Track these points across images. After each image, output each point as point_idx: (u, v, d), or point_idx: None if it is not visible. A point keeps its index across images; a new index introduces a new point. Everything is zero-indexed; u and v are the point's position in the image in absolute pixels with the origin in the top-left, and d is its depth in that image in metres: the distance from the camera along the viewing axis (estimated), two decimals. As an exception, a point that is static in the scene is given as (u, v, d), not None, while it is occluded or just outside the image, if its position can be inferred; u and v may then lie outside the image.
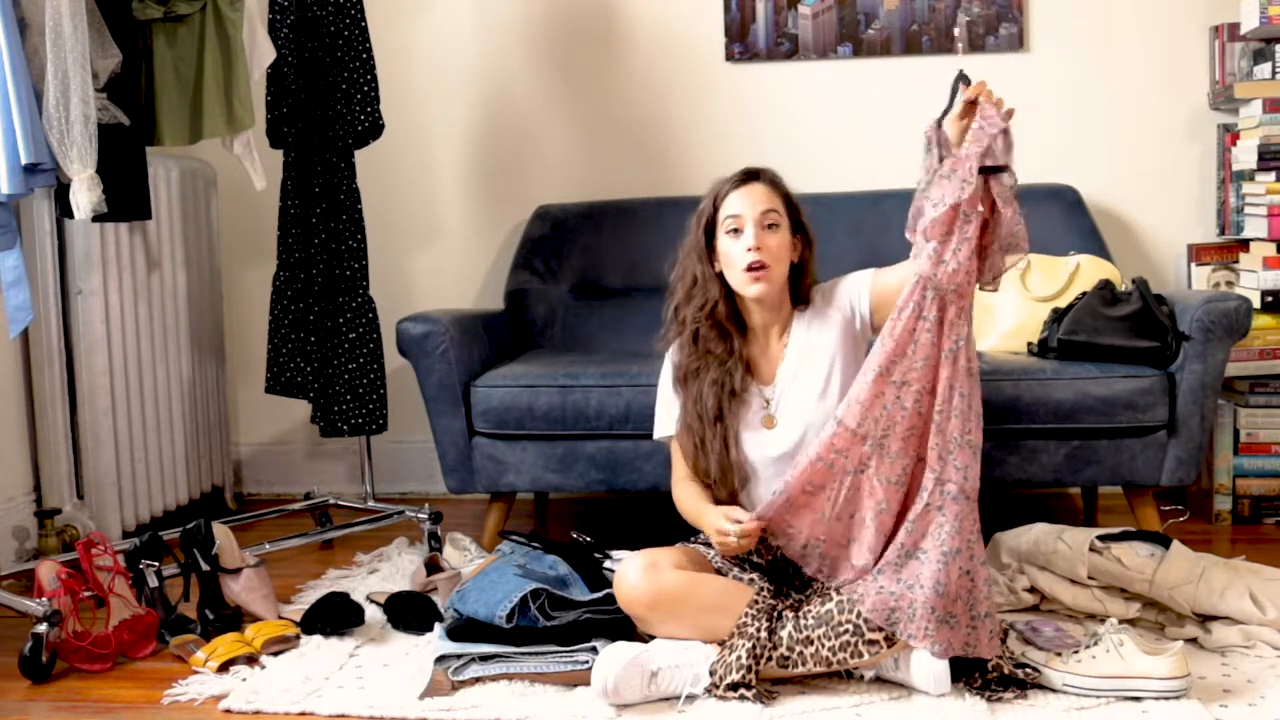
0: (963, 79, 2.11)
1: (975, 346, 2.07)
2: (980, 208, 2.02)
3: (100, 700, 2.15)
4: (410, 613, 2.44)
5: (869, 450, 2.05)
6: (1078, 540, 2.35)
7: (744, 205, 2.23)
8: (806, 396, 2.25)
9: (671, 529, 2.49)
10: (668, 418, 2.35)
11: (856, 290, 2.28)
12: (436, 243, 3.71)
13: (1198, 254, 3.28)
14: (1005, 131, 2.01)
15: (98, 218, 2.53)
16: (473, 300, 3.68)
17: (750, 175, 2.28)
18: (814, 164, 3.35)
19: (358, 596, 2.57)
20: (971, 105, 2.04)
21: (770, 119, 3.55)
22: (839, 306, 2.28)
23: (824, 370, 2.25)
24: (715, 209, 2.27)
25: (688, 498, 2.30)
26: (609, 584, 2.20)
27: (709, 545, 2.28)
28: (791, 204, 2.29)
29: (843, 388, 2.23)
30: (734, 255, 2.23)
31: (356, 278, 3.10)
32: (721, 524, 2.13)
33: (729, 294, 2.29)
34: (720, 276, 2.28)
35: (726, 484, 2.25)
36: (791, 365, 2.27)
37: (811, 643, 2.00)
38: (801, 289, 2.30)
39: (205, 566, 2.51)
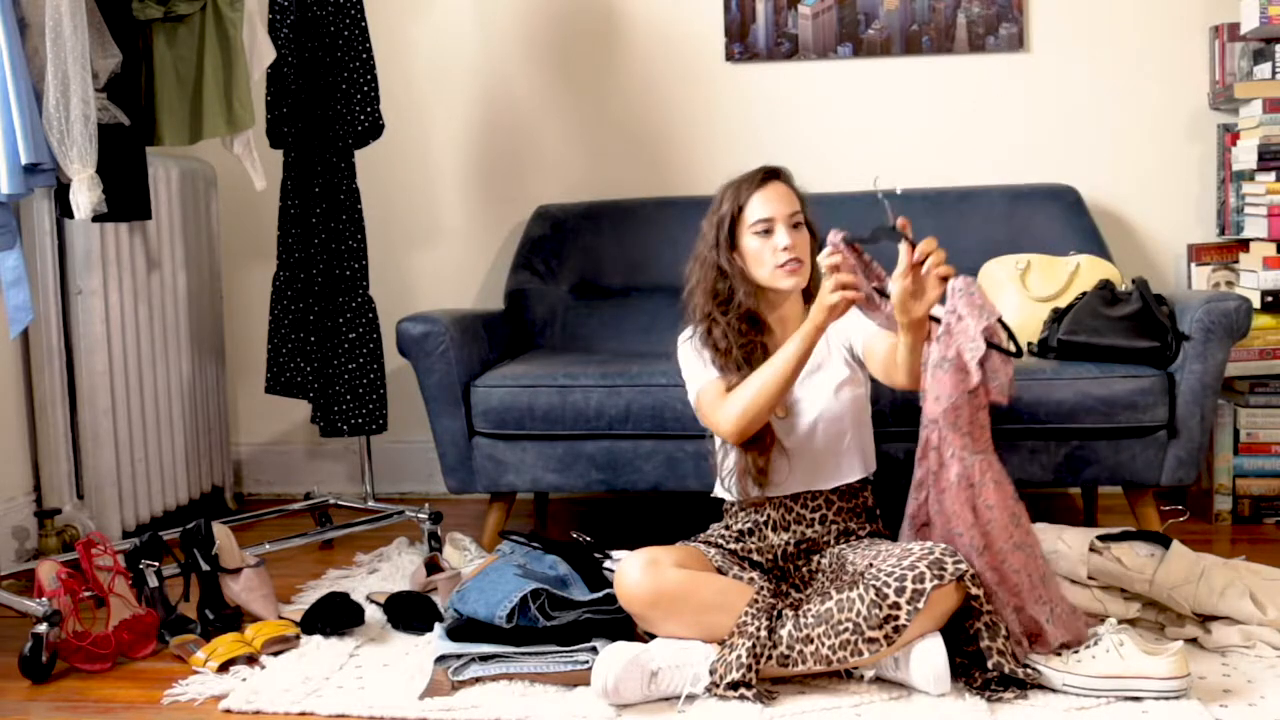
0: (889, 198, 2.06)
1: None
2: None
3: (100, 700, 2.15)
4: (410, 613, 2.44)
5: None
6: (1077, 540, 2.34)
7: (773, 207, 2.24)
8: (822, 388, 2.26)
9: (671, 529, 2.50)
10: (703, 371, 2.29)
11: (855, 329, 2.28)
12: (436, 243, 3.71)
13: (1198, 254, 3.28)
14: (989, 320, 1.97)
15: (98, 218, 2.53)
16: (473, 300, 3.68)
17: (770, 174, 2.29)
18: (814, 164, 3.34)
19: (358, 596, 2.57)
20: (917, 267, 1.98)
21: (770, 119, 3.55)
22: (842, 328, 2.29)
23: (839, 364, 2.27)
24: (739, 210, 2.26)
25: (749, 378, 2.20)
26: (609, 584, 2.20)
27: (709, 544, 2.28)
28: (802, 202, 2.30)
29: (852, 389, 2.27)
30: (765, 255, 2.24)
31: (356, 278, 3.10)
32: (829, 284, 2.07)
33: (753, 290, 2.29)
34: (743, 274, 2.27)
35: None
36: (814, 355, 2.27)
37: (811, 641, 2.00)
38: (810, 284, 2.31)
39: (205, 566, 2.51)
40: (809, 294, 2.32)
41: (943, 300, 2.01)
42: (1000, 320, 1.99)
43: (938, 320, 2.03)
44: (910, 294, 1.98)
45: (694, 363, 2.32)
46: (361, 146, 3.12)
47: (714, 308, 2.29)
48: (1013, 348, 2.00)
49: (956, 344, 1.98)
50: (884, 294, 2.08)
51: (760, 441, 2.23)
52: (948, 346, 2.00)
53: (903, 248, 1.98)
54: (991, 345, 1.97)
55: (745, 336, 2.27)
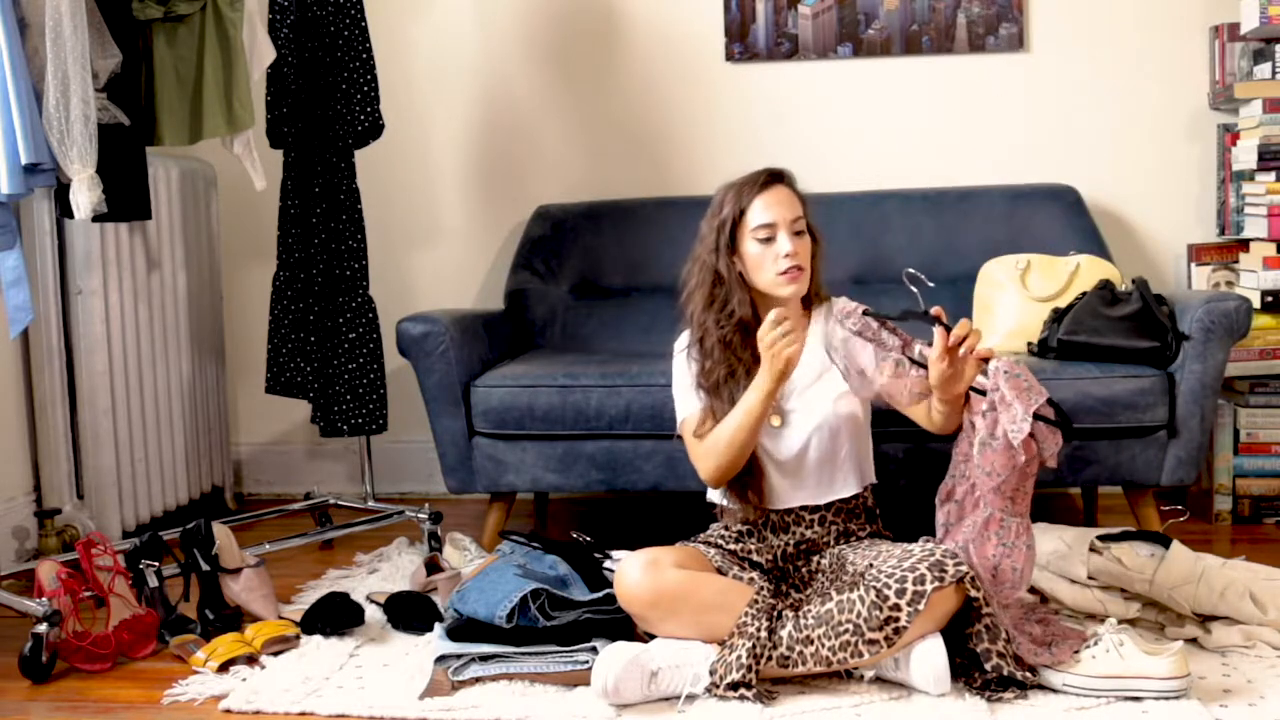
0: (912, 279, 2.08)
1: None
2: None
3: (100, 700, 2.15)
4: (410, 613, 2.44)
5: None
6: (1078, 540, 2.35)
7: (775, 212, 2.22)
8: (821, 399, 2.25)
9: (671, 529, 2.49)
10: (688, 394, 2.31)
11: (864, 356, 2.21)
12: (436, 243, 3.71)
13: (1198, 254, 3.28)
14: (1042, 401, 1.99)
15: (98, 218, 2.53)
16: (473, 300, 3.68)
17: (774, 178, 2.26)
18: (814, 164, 3.34)
19: (358, 596, 2.57)
20: (953, 350, 2.01)
21: (770, 119, 3.55)
22: (846, 345, 2.27)
23: (839, 375, 2.26)
24: (740, 214, 2.24)
25: (716, 430, 2.22)
26: (609, 584, 2.20)
27: (709, 545, 2.28)
28: (805, 205, 2.29)
29: (851, 401, 2.26)
30: (767, 261, 2.22)
31: (356, 278, 3.10)
32: (768, 327, 2.09)
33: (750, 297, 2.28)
34: (741, 278, 2.27)
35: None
36: (814, 365, 2.26)
37: (811, 642, 2.00)
38: (811, 289, 2.30)
39: (205, 566, 2.51)
40: (808, 300, 2.32)
41: (984, 372, 2.03)
42: (1050, 400, 2.01)
43: (979, 392, 2.04)
44: (947, 377, 2.02)
45: (682, 379, 2.32)
46: (361, 146, 3.11)
47: (708, 315, 2.28)
48: (1057, 419, 2.01)
49: (1002, 426, 2.00)
50: (916, 363, 2.08)
51: (745, 477, 2.23)
52: (994, 425, 2.02)
53: (937, 332, 2.01)
54: (1039, 418, 1.99)
55: (732, 351, 2.25)
